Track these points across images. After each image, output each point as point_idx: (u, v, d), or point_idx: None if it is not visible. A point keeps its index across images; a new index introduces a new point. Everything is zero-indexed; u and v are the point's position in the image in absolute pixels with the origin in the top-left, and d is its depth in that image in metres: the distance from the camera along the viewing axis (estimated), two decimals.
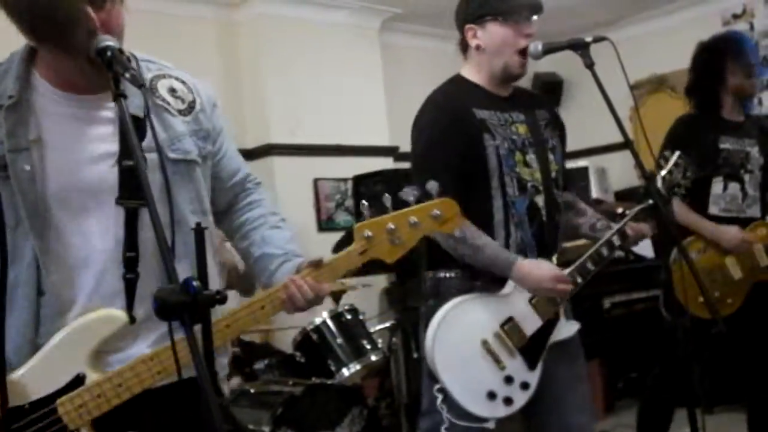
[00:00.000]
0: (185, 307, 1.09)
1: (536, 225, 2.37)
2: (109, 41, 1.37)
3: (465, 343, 2.26)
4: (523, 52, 2.35)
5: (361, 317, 3.90)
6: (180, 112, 1.65)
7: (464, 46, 2.48)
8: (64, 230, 1.52)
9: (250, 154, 5.49)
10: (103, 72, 1.42)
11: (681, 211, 3.20)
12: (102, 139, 1.55)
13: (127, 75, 1.31)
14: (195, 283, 1.09)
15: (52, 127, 1.51)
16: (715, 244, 3.21)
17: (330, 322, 3.78)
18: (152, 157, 1.52)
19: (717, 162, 3.19)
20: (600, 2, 6.14)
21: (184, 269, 1.54)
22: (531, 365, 2.30)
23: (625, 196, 6.11)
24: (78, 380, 1.49)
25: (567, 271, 2.32)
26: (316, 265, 1.61)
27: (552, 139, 2.47)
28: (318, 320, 3.78)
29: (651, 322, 3.52)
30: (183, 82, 1.70)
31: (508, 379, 2.26)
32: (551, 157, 2.44)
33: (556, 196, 2.43)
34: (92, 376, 1.50)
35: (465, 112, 2.33)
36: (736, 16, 6.11)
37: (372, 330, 3.96)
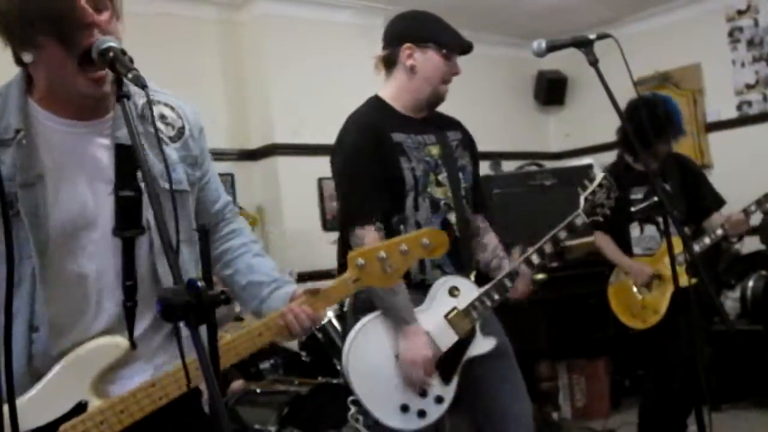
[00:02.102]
0: (190, 307, 1.09)
1: (451, 242, 2.40)
2: (111, 42, 1.36)
3: (379, 356, 2.29)
4: (448, 80, 2.46)
5: None
6: (170, 139, 1.64)
7: (390, 63, 2.53)
8: (64, 263, 1.52)
9: (254, 155, 5.51)
10: (96, 99, 1.44)
11: (603, 243, 3.62)
12: (99, 170, 1.54)
13: (130, 76, 1.30)
14: (200, 284, 1.09)
15: (52, 161, 1.50)
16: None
17: (335, 322, 3.78)
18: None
19: (628, 211, 3.30)
20: None
21: None
22: (445, 380, 2.33)
23: None
24: (80, 407, 1.50)
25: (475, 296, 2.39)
26: (313, 293, 1.66)
27: (462, 159, 2.55)
28: (323, 320, 3.79)
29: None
30: (171, 108, 1.68)
31: (422, 393, 2.29)
32: (461, 175, 2.51)
33: (466, 212, 2.51)
34: (94, 403, 1.51)
35: (383, 136, 2.41)
36: (740, 12, 6.09)
37: None
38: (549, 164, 6.65)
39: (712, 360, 3.55)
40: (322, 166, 5.47)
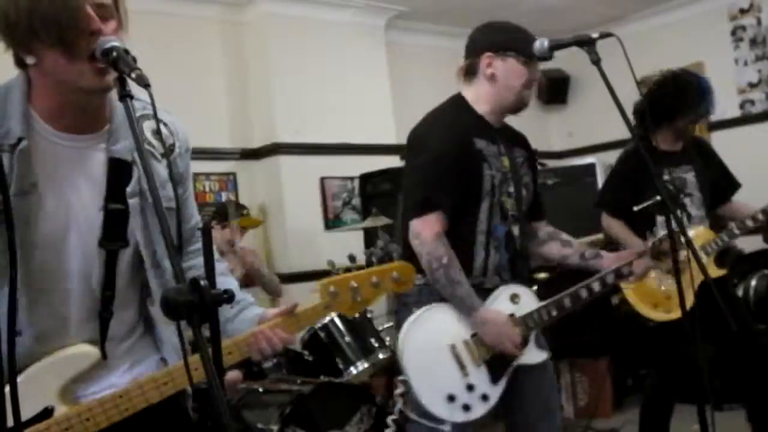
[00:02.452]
0: (193, 307, 1.09)
1: (511, 251, 2.51)
2: (114, 41, 1.36)
3: (434, 344, 2.36)
4: (530, 86, 2.51)
5: (369, 315, 3.90)
6: (162, 155, 1.64)
7: (471, 71, 2.55)
8: (47, 272, 1.52)
9: (256, 154, 5.51)
10: (100, 92, 1.44)
11: (615, 227, 3.40)
12: (92, 184, 1.55)
13: (133, 75, 1.30)
14: (203, 283, 1.09)
15: (46, 172, 1.50)
16: None
17: (338, 321, 3.78)
18: (134, 202, 1.55)
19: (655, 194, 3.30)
20: None
21: (158, 309, 1.55)
22: (494, 379, 2.40)
23: None
24: (46, 413, 1.50)
25: (544, 302, 2.48)
26: (289, 312, 1.67)
27: (525, 177, 2.61)
28: (326, 319, 3.79)
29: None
30: (164, 124, 1.68)
31: (470, 387, 2.36)
32: (524, 192, 2.57)
33: (526, 228, 2.59)
34: (61, 410, 1.51)
35: (468, 141, 2.45)
36: (743, 11, 6.08)
37: (380, 328, 3.96)
38: (552, 163, 6.65)
39: (715, 359, 3.50)
40: (325, 165, 5.55)
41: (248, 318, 1.70)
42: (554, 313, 2.46)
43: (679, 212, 3.39)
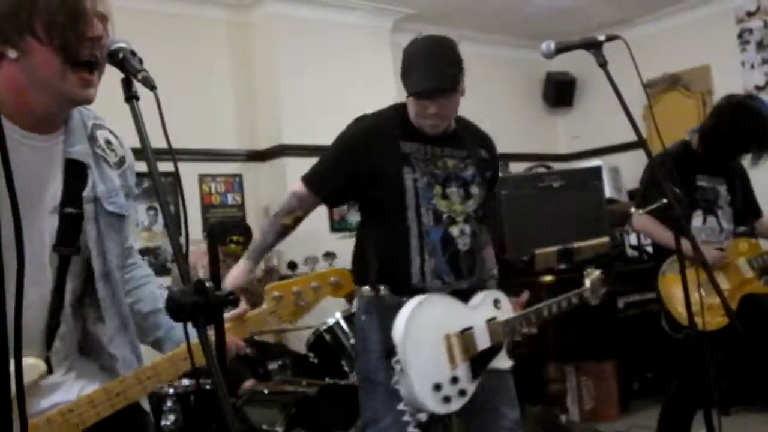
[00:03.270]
0: (198, 308, 1.09)
1: (450, 253, 2.52)
2: (121, 43, 1.36)
3: (432, 331, 2.39)
4: (423, 117, 2.53)
5: None
6: (115, 164, 1.62)
7: None
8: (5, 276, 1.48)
9: (262, 155, 5.52)
10: (80, 103, 1.44)
11: (648, 225, 3.35)
12: (50, 186, 1.51)
13: (140, 77, 1.30)
14: (207, 284, 1.09)
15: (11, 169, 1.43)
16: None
17: (343, 323, 3.79)
18: (89, 208, 1.52)
19: (695, 197, 3.34)
20: (612, 1, 6.12)
21: (112, 320, 1.55)
22: (474, 376, 2.43)
23: None
24: None
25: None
26: (238, 318, 1.69)
27: (479, 176, 2.61)
28: (331, 321, 3.79)
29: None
30: (115, 137, 1.66)
31: (454, 380, 2.38)
32: (474, 191, 2.59)
33: (474, 227, 2.59)
34: None
35: (389, 143, 2.52)
36: (750, 14, 6.07)
37: None
38: (557, 166, 6.64)
39: (721, 364, 3.49)
40: None
41: None
42: (532, 319, 2.54)
43: (714, 221, 3.42)
